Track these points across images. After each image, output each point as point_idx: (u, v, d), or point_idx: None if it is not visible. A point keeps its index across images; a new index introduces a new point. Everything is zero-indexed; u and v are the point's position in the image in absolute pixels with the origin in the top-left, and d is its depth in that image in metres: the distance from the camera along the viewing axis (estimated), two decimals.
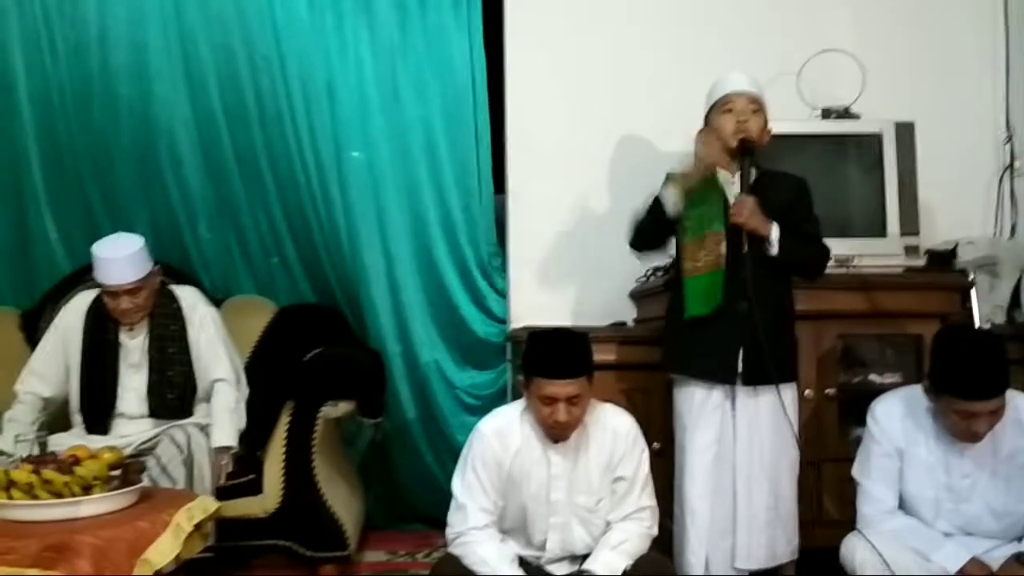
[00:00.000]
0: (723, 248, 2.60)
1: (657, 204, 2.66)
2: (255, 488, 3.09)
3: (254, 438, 3.13)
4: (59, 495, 2.25)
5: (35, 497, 2.25)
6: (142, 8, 3.60)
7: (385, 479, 3.86)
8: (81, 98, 3.63)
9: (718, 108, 2.68)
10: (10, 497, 2.25)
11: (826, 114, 3.42)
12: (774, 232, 2.58)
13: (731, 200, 2.61)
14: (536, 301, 3.64)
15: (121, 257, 2.90)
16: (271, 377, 3.29)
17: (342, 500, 3.22)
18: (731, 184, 2.66)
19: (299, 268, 3.85)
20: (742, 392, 2.62)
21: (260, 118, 3.65)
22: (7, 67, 3.59)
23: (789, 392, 2.66)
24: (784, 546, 2.67)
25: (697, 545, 2.62)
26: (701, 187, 2.64)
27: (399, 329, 3.74)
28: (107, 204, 3.70)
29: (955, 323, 2.37)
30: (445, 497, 2.55)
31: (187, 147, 3.68)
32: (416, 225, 3.73)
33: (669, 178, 2.69)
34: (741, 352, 2.60)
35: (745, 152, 2.61)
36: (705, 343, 2.62)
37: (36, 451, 2.71)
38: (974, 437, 2.24)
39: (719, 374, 2.62)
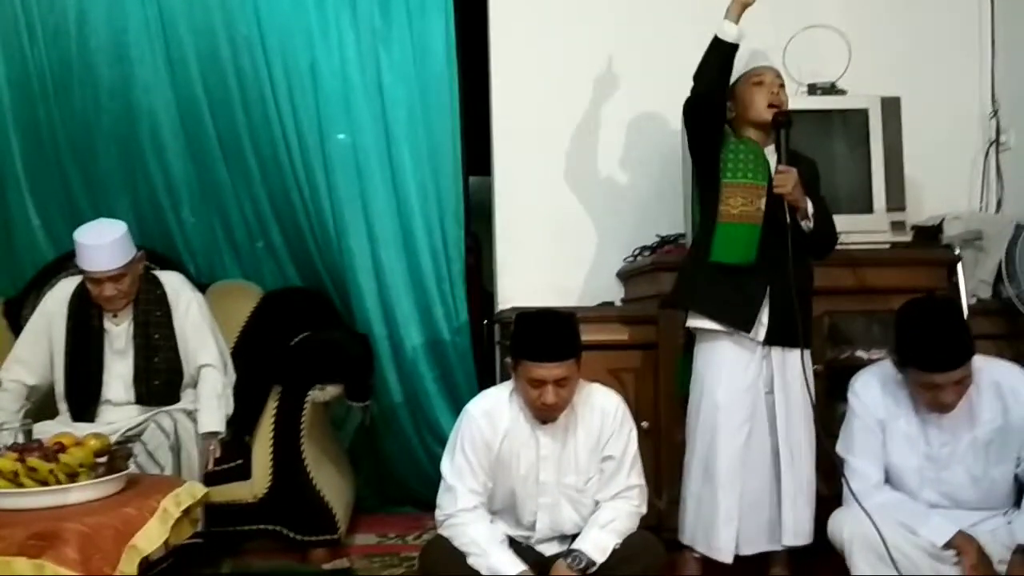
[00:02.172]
0: (762, 203, 2.60)
1: (717, 41, 2.58)
2: (243, 473, 3.08)
3: (241, 423, 3.12)
4: (45, 483, 2.23)
5: (20, 485, 2.23)
6: None
7: (374, 462, 3.86)
8: (61, 82, 3.58)
9: (747, 80, 2.67)
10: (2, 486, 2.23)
11: (812, 90, 3.41)
12: (811, 207, 2.61)
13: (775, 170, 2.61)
14: (523, 281, 3.64)
15: (104, 243, 2.86)
16: (258, 362, 3.28)
17: (331, 484, 3.21)
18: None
19: (284, 252, 3.83)
20: (776, 360, 2.62)
21: (243, 101, 3.61)
22: None
23: (808, 359, 2.67)
24: (810, 524, 2.66)
25: (729, 520, 2.61)
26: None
27: (384, 312, 3.72)
28: (89, 189, 3.66)
29: (918, 296, 2.38)
30: (434, 479, 2.55)
31: (169, 130, 3.64)
32: (400, 208, 3.70)
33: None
34: (767, 306, 2.60)
35: (783, 125, 2.61)
36: (732, 288, 2.61)
37: (21, 439, 2.70)
38: (943, 408, 2.26)
39: (743, 322, 2.61)
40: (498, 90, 3.70)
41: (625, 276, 3.56)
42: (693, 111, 2.69)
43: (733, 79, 2.67)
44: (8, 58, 3.55)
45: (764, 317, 2.61)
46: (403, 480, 3.82)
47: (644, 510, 2.47)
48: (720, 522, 2.60)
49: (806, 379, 2.61)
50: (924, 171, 3.57)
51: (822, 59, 3.49)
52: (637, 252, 3.44)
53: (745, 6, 2.59)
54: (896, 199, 3.24)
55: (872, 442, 2.37)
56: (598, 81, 3.65)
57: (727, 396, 2.62)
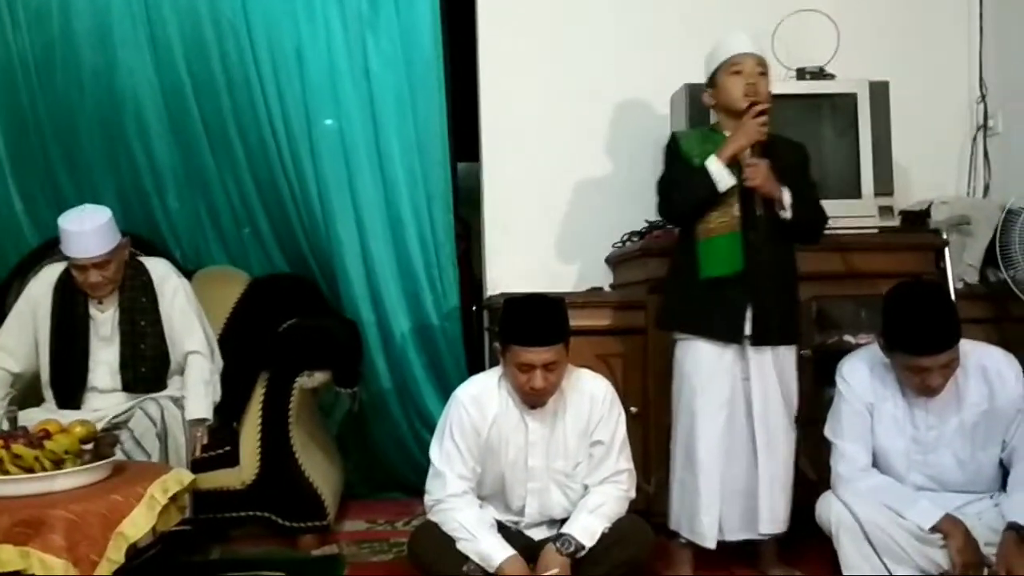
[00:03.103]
0: (736, 210, 2.59)
1: (705, 177, 2.58)
2: (231, 460, 3.07)
3: (229, 410, 3.11)
4: (30, 470, 2.22)
5: (5, 472, 2.22)
6: None
7: (362, 448, 3.85)
8: (44, 66, 3.54)
9: (725, 69, 2.63)
10: None
11: (800, 74, 3.40)
12: (787, 196, 2.60)
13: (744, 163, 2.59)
14: (512, 267, 3.62)
15: (88, 230, 2.83)
16: (245, 348, 3.26)
17: (320, 470, 3.20)
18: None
19: (271, 238, 3.81)
20: (753, 352, 2.62)
21: (228, 85, 3.57)
22: None
23: (792, 353, 2.69)
24: (787, 512, 2.67)
25: (711, 506, 2.61)
26: (706, 148, 2.62)
27: (372, 298, 3.70)
28: (73, 174, 3.62)
29: (906, 280, 2.39)
30: (423, 465, 2.55)
31: (154, 115, 3.60)
32: (387, 194, 3.68)
33: (689, 145, 2.65)
34: (750, 312, 2.60)
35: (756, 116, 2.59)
36: (715, 303, 2.61)
37: (6, 426, 2.68)
38: (929, 391, 2.27)
39: (729, 334, 2.61)
40: (486, 75, 3.68)
41: (614, 262, 3.55)
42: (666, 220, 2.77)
43: (714, 66, 2.65)
44: None
45: (748, 326, 2.61)
46: (392, 466, 3.81)
47: (633, 495, 2.48)
48: (702, 507, 2.61)
49: (784, 368, 2.63)
50: (912, 156, 3.58)
51: (811, 43, 3.48)
52: (626, 237, 3.43)
53: (741, 150, 2.58)
54: (884, 184, 3.24)
55: (860, 425, 2.38)
56: (587, 67, 3.64)
57: (704, 381, 2.62)
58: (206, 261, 3.73)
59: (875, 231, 3.18)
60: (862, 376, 2.40)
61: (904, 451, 2.36)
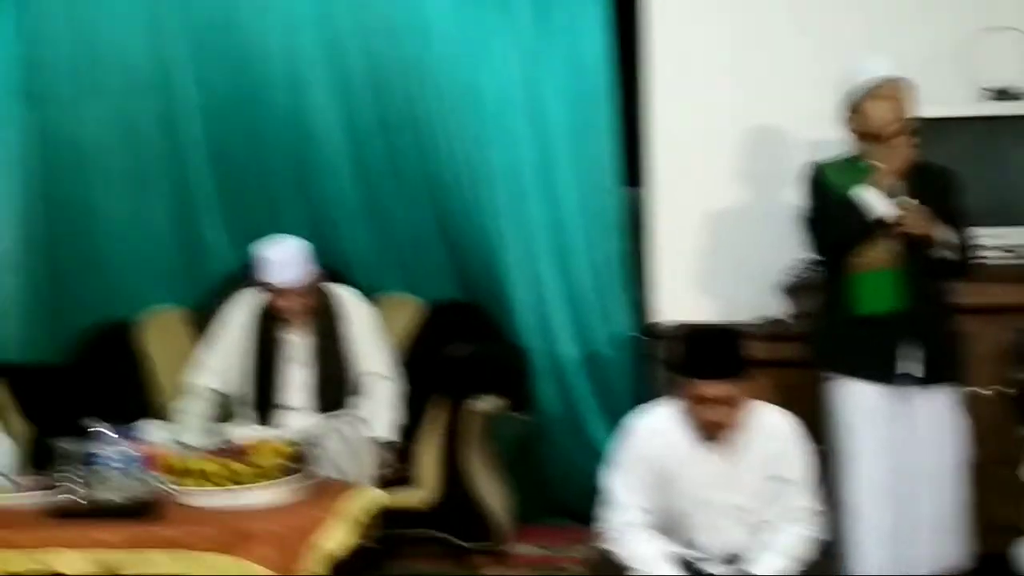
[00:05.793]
0: (892, 244, 2.51)
1: (854, 208, 2.53)
2: (411, 480, 3.20)
3: (405, 431, 3.24)
4: (239, 483, 2.40)
5: (216, 485, 2.41)
6: (295, 20, 3.76)
7: (530, 473, 3.90)
8: (242, 108, 3.83)
9: (868, 94, 2.56)
10: (196, 485, 2.42)
11: (988, 95, 3.23)
12: (946, 235, 2.50)
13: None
14: (679, 296, 3.59)
15: (288, 259, 3.08)
16: (421, 372, 3.40)
17: (493, 493, 3.29)
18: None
19: (446, 266, 3.94)
20: (911, 393, 2.53)
21: (409, 122, 3.75)
22: (180, 81, 3.82)
23: (955, 392, 2.57)
24: (959, 552, 2.57)
25: (873, 553, 2.52)
26: (851, 176, 2.56)
27: (541, 325, 3.78)
28: (267, 207, 3.87)
29: None
30: (590, 493, 2.57)
31: (339, 152, 3.81)
32: (557, 222, 3.76)
33: (834, 174, 2.59)
34: (908, 351, 2.51)
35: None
36: (870, 341, 2.53)
37: (214, 443, 2.91)
38: None
39: (885, 374, 2.53)
40: (657, 101, 3.67)
41: (792, 290, 3.45)
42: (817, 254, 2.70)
43: (856, 91, 2.58)
44: (199, 86, 3.82)
45: (906, 365, 2.51)
46: (559, 492, 3.85)
47: (819, 534, 2.41)
48: (860, 555, 2.53)
49: (948, 409, 2.52)
50: None
51: (999, 62, 3.30)
52: (806, 265, 3.33)
53: (890, 175, 2.51)
54: None
55: None
56: (757, 91, 3.58)
57: (859, 423, 2.55)
58: (384, 288, 3.90)
59: None
60: None
61: None
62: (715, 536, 2.43)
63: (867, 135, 2.59)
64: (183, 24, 3.79)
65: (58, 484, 2.47)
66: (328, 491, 2.54)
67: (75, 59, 3.81)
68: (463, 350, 3.38)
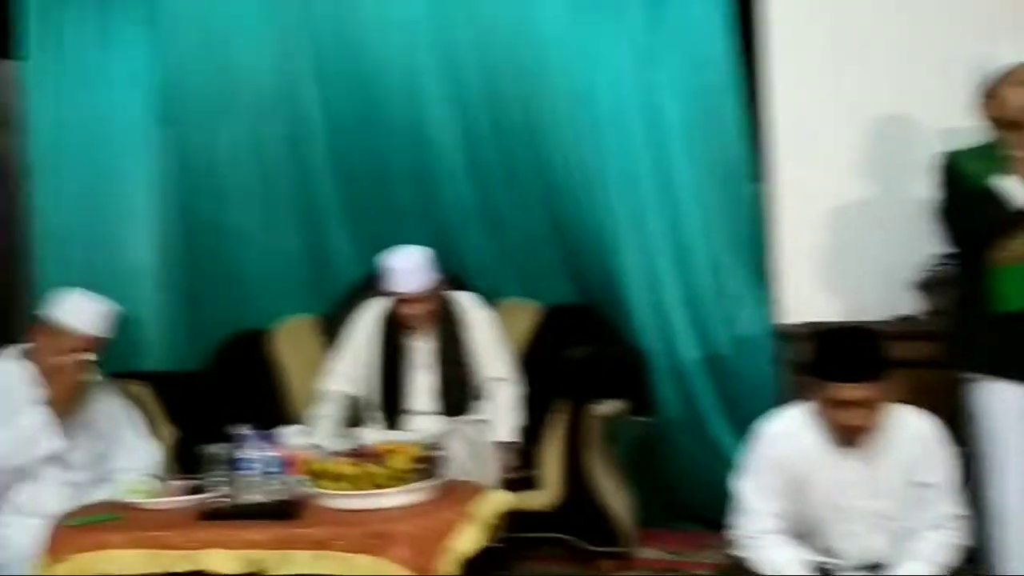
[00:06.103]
0: None
1: (995, 197, 2.43)
2: (534, 483, 3.23)
3: (526, 434, 3.28)
4: (378, 486, 2.47)
5: (356, 488, 2.49)
6: (414, 39, 3.86)
7: (652, 477, 3.88)
8: (364, 123, 3.94)
9: (1008, 79, 2.44)
10: (335, 487, 2.51)
11: None
12: None
13: None
14: (805, 295, 3.50)
15: (412, 267, 3.17)
16: (541, 375, 3.43)
17: (616, 496, 3.29)
18: None
19: (562, 269, 3.96)
20: None
21: (524, 128, 3.80)
22: (306, 101, 3.97)
23: None
24: None
25: (1019, 559, 2.42)
26: (988, 165, 2.45)
27: (660, 327, 3.76)
28: (390, 218, 3.97)
29: None
30: (715, 497, 2.53)
31: (457, 161, 3.89)
32: (675, 223, 3.74)
33: (969, 164, 2.48)
34: None
35: None
36: (1012, 339, 2.42)
37: (347, 446, 3.01)
38: None
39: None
40: (777, 94, 3.59)
41: (928, 286, 3.31)
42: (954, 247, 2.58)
43: (995, 76, 2.46)
44: (325, 109, 3.96)
45: None
46: (682, 497, 3.82)
47: (964, 542, 2.32)
48: (1006, 565, 2.41)
49: None
50: None
51: None
52: (940, 259, 3.19)
53: None
54: None
55: None
56: (887, 83, 3.45)
57: (1003, 427, 2.44)
58: (503, 293, 3.96)
59: None
60: None
61: None
62: (854, 543, 2.36)
63: (1005, 122, 2.48)
64: (309, 47, 3.94)
65: (207, 487, 2.60)
66: (458, 493, 2.59)
67: (208, 83, 4.01)
68: (582, 352, 3.39)
